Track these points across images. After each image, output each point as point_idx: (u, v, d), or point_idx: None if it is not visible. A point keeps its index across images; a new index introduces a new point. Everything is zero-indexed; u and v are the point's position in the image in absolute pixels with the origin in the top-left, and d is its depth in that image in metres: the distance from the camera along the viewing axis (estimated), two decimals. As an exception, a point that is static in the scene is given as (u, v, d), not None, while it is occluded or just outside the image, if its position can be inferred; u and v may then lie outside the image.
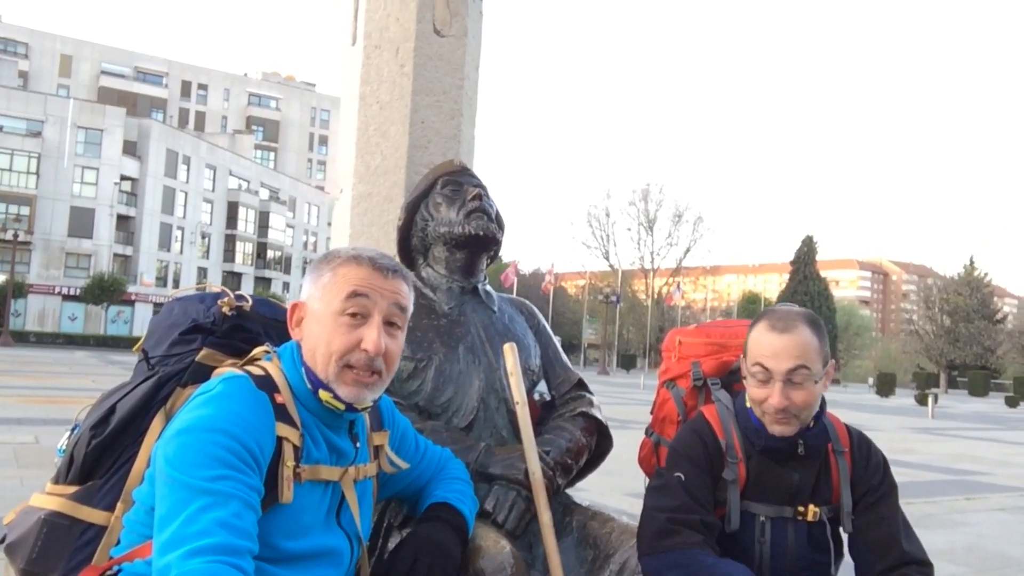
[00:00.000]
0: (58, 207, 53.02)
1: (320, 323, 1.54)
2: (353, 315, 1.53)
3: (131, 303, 54.42)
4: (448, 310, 2.36)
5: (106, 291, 49.72)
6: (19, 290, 46.52)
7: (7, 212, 50.30)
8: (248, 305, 1.77)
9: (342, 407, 1.54)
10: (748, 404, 1.98)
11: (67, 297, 52.73)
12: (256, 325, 1.77)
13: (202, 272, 61.31)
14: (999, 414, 31.89)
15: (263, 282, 65.80)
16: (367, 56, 2.75)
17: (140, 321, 54.40)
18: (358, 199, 2.72)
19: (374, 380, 1.55)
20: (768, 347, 1.90)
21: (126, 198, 56.46)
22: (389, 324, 1.56)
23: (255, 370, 1.53)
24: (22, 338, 44.56)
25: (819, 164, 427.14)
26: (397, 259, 2.51)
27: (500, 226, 2.46)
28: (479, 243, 2.37)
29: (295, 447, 1.48)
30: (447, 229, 2.37)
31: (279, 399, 1.49)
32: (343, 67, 2.94)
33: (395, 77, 2.73)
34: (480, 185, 2.46)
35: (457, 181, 2.45)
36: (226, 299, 1.74)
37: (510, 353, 2.14)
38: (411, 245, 2.49)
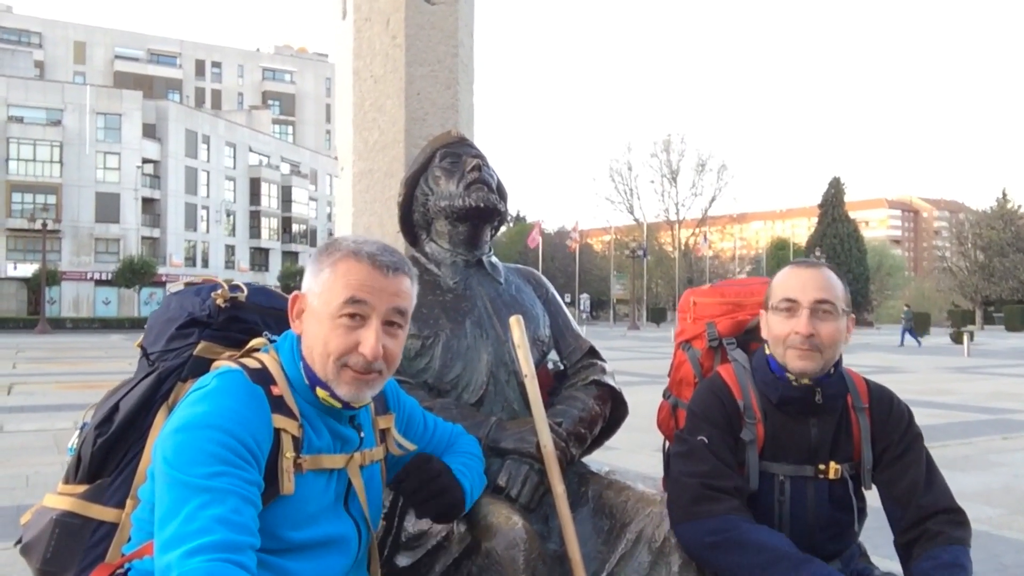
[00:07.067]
0: (84, 194, 53.64)
1: (319, 322, 1.51)
2: (351, 316, 1.49)
3: (162, 284, 55.00)
4: (453, 284, 2.33)
5: (137, 274, 50.44)
6: (52, 278, 47.31)
7: (35, 202, 51.12)
8: (243, 295, 1.76)
9: (339, 405, 1.53)
10: (768, 352, 1.97)
11: (99, 282, 53.57)
12: (253, 315, 1.76)
13: (229, 250, 61.80)
14: (1037, 348, 31.36)
15: (290, 256, 66.11)
16: (358, 29, 2.70)
17: (173, 302, 55.05)
18: (359, 176, 2.70)
19: (373, 378, 1.52)
20: (795, 280, 1.94)
21: (149, 181, 56.92)
22: (388, 324, 1.53)
23: (251, 363, 1.52)
24: (59, 325, 45.38)
25: (843, 104, 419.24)
26: (400, 236, 2.50)
27: (502, 196, 2.42)
28: (481, 215, 2.34)
29: (294, 438, 1.47)
30: (448, 202, 2.33)
31: (275, 391, 1.48)
32: (336, 42, 2.90)
33: (387, 49, 2.68)
34: (479, 155, 2.42)
35: (455, 152, 2.41)
36: (220, 291, 1.74)
37: (516, 326, 2.11)
38: (413, 220, 2.45)
